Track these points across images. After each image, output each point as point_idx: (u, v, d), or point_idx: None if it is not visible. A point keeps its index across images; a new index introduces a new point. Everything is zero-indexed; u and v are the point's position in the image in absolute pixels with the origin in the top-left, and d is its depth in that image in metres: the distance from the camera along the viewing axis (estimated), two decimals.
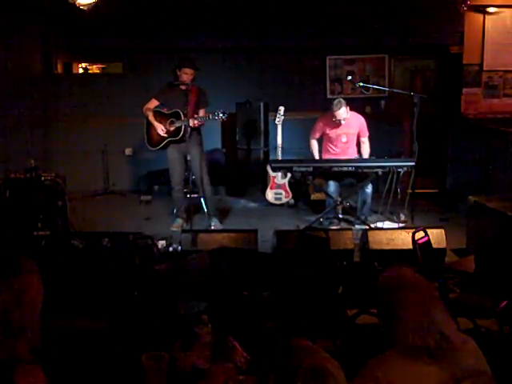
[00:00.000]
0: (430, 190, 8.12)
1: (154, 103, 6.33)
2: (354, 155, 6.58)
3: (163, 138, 6.22)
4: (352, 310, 3.53)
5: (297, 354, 1.65)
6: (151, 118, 6.28)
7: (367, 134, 6.62)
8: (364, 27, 8.17)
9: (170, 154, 6.28)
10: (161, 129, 6.18)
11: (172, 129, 6.17)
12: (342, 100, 6.38)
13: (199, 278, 3.84)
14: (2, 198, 5.50)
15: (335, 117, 6.34)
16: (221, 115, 5.97)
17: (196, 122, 6.06)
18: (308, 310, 3.61)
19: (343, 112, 6.31)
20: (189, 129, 6.10)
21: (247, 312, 3.40)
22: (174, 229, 6.16)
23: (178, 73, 6.15)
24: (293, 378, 1.58)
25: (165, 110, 6.27)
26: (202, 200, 6.72)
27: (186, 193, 6.30)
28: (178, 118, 6.14)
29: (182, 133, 6.12)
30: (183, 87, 6.15)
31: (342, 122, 6.37)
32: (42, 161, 6.93)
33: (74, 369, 2.34)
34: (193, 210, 6.38)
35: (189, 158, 6.23)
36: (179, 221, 6.35)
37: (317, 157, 6.66)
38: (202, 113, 6.22)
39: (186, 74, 6.11)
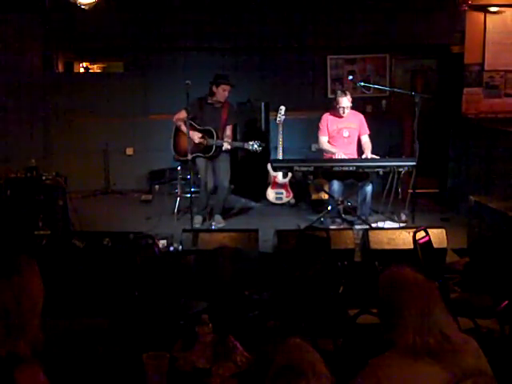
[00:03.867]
0: (431, 190, 8.11)
1: (183, 114, 6.28)
2: (355, 154, 6.57)
3: (192, 151, 6.18)
4: (353, 309, 3.53)
5: (275, 350, 1.64)
6: (184, 128, 6.24)
7: (368, 131, 6.62)
8: (365, 27, 8.17)
9: (199, 162, 6.37)
10: (197, 137, 6.24)
11: (203, 145, 6.23)
12: (346, 91, 6.57)
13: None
14: (3, 198, 5.50)
15: (339, 103, 6.41)
16: (256, 146, 6.23)
17: (229, 147, 6.28)
18: (309, 310, 3.61)
19: (347, 100, 6.42)
20: (219, 148, 6.29)
21: (248, 311, 3.41)
22: (197, 225, 6.28)
23: (215, 89, 6.27)
24: (266, 372, 1.58)
25: (195, 124, 6.30)
26: None
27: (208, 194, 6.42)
28: (211, 136, 6.24)
29: (212, 152, 6.28)
30: (217, 105, 6.22)
31: (346, 110, 6.40)
32: (42, 160, 6.93)
33: (75, 368, 2.34)
34: (193, 210, 6.40)
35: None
36: (199, 217, 6.44)
37: (332, 149, 6.55)
38: (228, 130, 6.40)
39: (224, 91, 6.26)
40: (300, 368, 1.56)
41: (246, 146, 6.29)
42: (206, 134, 6.27)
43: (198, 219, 6.43)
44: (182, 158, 6.42)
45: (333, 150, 6.53)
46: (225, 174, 6.48)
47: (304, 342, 1.67)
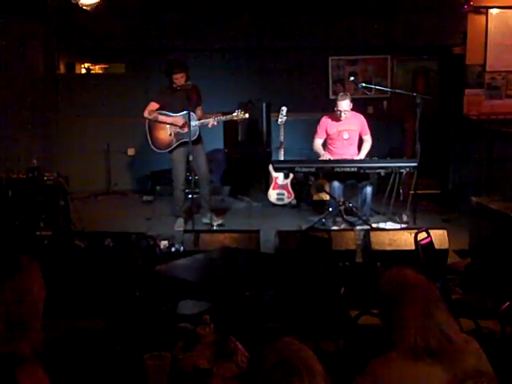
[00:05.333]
0: (433, 191, 8.10)
1: (154, 106, 6.28)
2: (355, 155, 6.57)
3: (174, 140, 6.19)
4: (354, 310, 3.53)
5: (267, 350, 1.63)
6: (162, 118, 6.24)
7: (369, 131, 6.63)
8: (366, 28, 8.17)
9: (175, 155, 6.25)
10: (177, 127, 6.14)
11: (185, 130, 6.13)
12: (348, 94, 6.51)
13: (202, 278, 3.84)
14: (5, 198, 5.51)
15: (337, 106, 6.38)
16: (241, 115, 6.12)
17: (216, 123, 6.15)
18: (310, 311, 3.60)
19: (346, 104, 6.37)
20: (200, 129, 6.19)
21: (249, 312, 3.40)
22: (179, 229, 6.17)
23: (171, 79, 6.15)
24: (257, 371, 1.57)
25: (169, 112, 6.24)
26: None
27: (187, 193, 6.30)
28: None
29: (197, 134, 6.17)
30: (182, 88, 6.17)
31: (343, 114, 6.38)
32: (44, 161, 6.95)
33: (76, 369, 2.34)
34: (195, 210, 6.39)
35: (190, 158, 6.20)
36: (181, 220, 6.37)
37: (323, 153, 6.56)
38: (199, 111, 6.26)
39: (178, 79, 6.11)
40: (293, 365, 1.55)
41: (230, 117, 6.17)
42: (185, 118, 6.16)
43: (179, 223, 6.35)
44: (165, 151, 6.32)
45: (321, 152, 6.57)
46: (204, 165, 6.38)
47: (296, 341, 1.66)
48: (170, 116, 6.24)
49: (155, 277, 3.92)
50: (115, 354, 2.59)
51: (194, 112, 6.15)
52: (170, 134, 6.25)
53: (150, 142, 6.36)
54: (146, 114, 6.29)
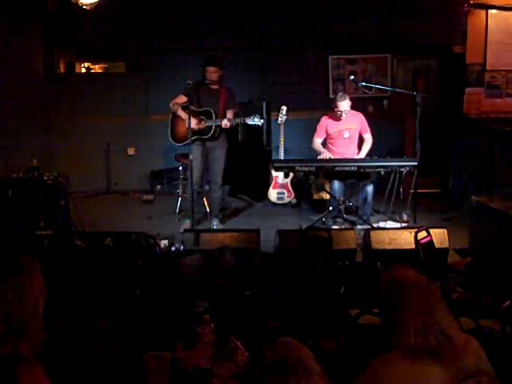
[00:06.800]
0: (433, 190, 8.11)
1: (182, 99, 6.25)
2: (356, 153, 6.58)
3: (192, 135, 6.08)
4: (354, 309, 3.54)
5: (265, 348, 1.62)
6: (180, 112, 6.21)
7: (369, 129, 6.63)
8: (366, 26, 8.16)
9: (194, 151, 6.12)
10: (194, 122, 6.06)
11: (201, 127, 6.12)
12: (345, 94, 6.51)
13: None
14: (5, 198, 5.51)
15: (338, 107, 6.38)
16: (256, 120, 6.03)
17: (229, 124, 6.09)
18: (310, 310, 3.61)
19: (346, 104, 6.38)
20: (218, 129, 6.14)
21: (249, 311, 3.41)
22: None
23: (204, 71, 6.17)
24: (255, 369, 1.56)
25: (192, 107, 6.14)
26: (204, 200, 6.73)
27: (198, 193, 6.29)
28: (209, 116, 6.12)
29: (211, 132, 6.12)
30: (213, 86, 6.17)
31: (344, 114, 6.39)
32: (44, 160, 6.94)
33: (76, 368, 2.34)
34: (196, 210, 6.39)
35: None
36: (188, 221, 6.26)
37: (324, 151, 6.56)
38: (229, 114, 6.21)
39: (209, 73, 6.14)
40: (290, 364, 1.54)
41: (246, 120, 6.08)
42: (205, 115, 6.13)
43: (187, 223, 6.25)
44: (180, 144, 6.30)
45: (321, 150, 6.57)
46: (218, 168, 6.35)
47: (295, 341, 1.66)
48: (189, 112, 6.14)
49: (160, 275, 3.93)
50: (115, 354, 2.59)
51: (216, 112, 6.13)
52: (187, 129, 6.20)
53: (169, 134, 6.37)
54: (170, 105, 6.32)
